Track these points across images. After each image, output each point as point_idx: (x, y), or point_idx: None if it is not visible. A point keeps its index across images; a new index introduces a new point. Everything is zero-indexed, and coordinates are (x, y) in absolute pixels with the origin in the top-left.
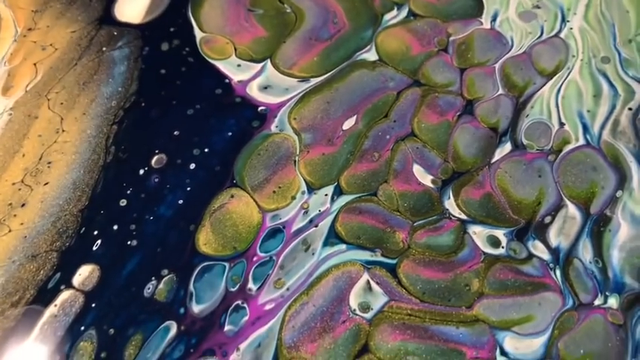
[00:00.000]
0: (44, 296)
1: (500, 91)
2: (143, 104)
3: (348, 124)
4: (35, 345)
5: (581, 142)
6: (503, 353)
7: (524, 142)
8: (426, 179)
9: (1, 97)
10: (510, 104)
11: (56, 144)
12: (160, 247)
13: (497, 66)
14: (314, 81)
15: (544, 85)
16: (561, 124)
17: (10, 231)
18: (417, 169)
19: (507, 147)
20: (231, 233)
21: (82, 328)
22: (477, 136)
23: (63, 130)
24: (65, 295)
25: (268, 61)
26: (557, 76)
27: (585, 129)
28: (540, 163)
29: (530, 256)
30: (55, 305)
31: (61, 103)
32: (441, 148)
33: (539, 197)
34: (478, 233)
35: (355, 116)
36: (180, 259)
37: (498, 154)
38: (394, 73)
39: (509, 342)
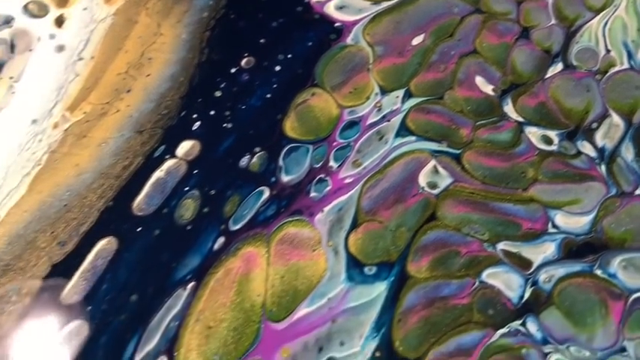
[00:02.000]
0: (151, 163)
1: (553, 22)
2: (232, 16)
3: (416, 40)
4: (143, 199)
5: (626, 65)
6: (555, 226)
7: (574, 63)
8: (487, 88)
9: (105, 4)
10: (562, 33)
11: (155, 44)
12: (252, 130)
13: (549, 1)
14: (385, 4)
15: (592, 18)
16: (607, 51)
17: (118, 111)
18: (479, 80)
19: (559, 66)
20: (314, 123)
21: (186, 188)
22: (533, 56)
23: (160, 34)
24: (170, 162)
25: None
26: (605, 12)
27: (630, 55)
28: (588, 80)
29: (579, 153)
30: (161, 170)
31: (157, 12)
32: (500, 64)
33: (587, 107)
34: (533, 133)
35: (423, 34)
36: (270, 140)
37: (551, 72)
38: (458, 2)
39: (560, 218)
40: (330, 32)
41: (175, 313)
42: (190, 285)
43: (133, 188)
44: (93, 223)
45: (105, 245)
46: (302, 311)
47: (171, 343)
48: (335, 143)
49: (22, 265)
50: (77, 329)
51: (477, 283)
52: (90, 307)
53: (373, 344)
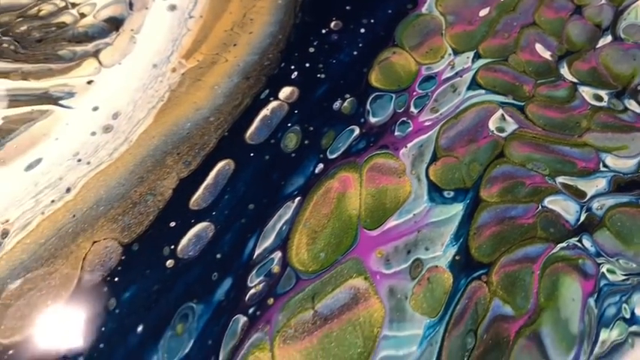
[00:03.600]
0: (258, 103)
1: (603, 1)
2: None
3: (483, 12)
4: (253, 131)
5: None
6: (605, 166)
7: (622, 36)
8: (546, 54)
9: None
10: (611, 11)
11: (255, 7)
12: (341, 80)
13: None
14: None
15: (637, 0)
16: None
17: (226, 61)
18: (539, 47)
19: (609, 39)
20: (395, 76)
21: (289, 124)
22: (585, 29)
23: None
24: (274, 103)
25: None
26: None
27: None
28: (635, 51)
29: (626, 109)
30: (267, 109)
31: None
32: (556, 34)
33: (633, 72)
34: (586, 91)
35: (488, 7)
36: (358, 88)
37: (601, 43)
38: None
39: (610, 160)
40: (407, 2)
41: (286, 219)
42: (297, 199)
43: (244, 122)
44: (212, 148)
45: (224, 166)
46: (392, 223)
47: (284, 241)
48: (415, 93)
49: (153, 178)
50: (205, 229)
51: (539, 208)
52: (214, 213)
53: (453, 250)
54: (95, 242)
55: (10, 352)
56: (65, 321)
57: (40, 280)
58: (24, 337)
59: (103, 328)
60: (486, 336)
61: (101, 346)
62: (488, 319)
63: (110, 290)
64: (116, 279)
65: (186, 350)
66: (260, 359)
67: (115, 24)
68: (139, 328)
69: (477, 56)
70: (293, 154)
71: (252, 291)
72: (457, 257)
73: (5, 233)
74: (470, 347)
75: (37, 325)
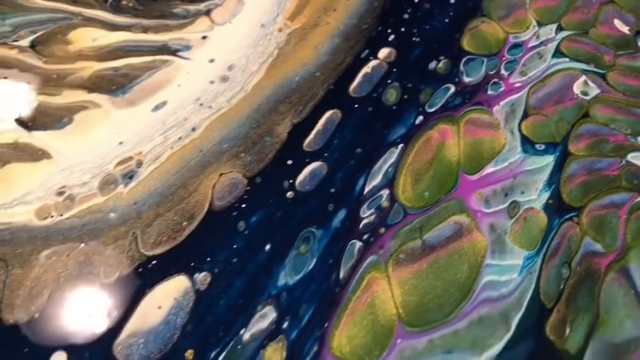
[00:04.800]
0: (359, 62)
1: None
2: None
3: None
4: (356, 85)
5: None
6: None
7: None
8: (624, 29)
9: None
10: None
11: None
12: (435, 44)
13: None
14: None
15: None
16: None
17: (327, 23)
18: (617, 22)
19: None
20: (485, 42)
21: (389, 81)
22: None
23: None
24: (373, 62)
25: None
26: None
27: None
28: None
29: None
30: (367, 67)
31: None
32: (634, 12)
33: None
34: None
35: None
36: (451, 51)
37: None
38: None
39: None
40: None
41: (391, 162)
42: (400, 146)
43: (347, 78)
44: (320, 99)
45: (332, 115)
46: (489, 169)
47: (390, 181)
48: (504, 58)
49: (269, 122)
50: (318, 167)
51: (623, 162)
52: (326, 154)
53: (546, 195)
54: (222, 174)
55: (154, 262)
56: (199, 239)
57: (175, 204)
58: (166, 249)
59: (234, 246)
60: (579, 268)
61: (234, 260)
62: (581, 254)
63: (238, 215)
64: (243, 206)
65: (310, 267)
66: (376, 277)
67: None
68: (267, 247)
69: (560, 28)
70: (394, 107)
71: (365, 221)
72: (550, 201)
73: (140, 163)
74: (565, 277)
75: (176, 239)
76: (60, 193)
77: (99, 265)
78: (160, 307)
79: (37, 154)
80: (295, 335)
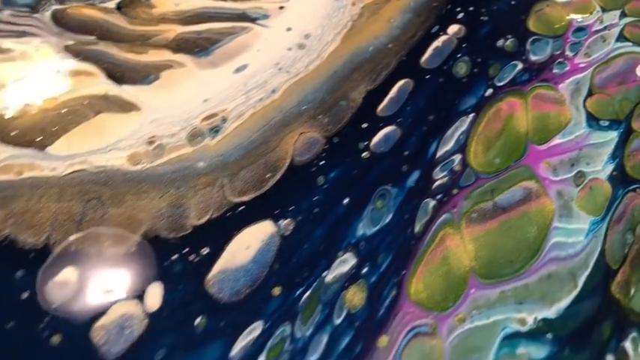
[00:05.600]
0: (429, 36)
1: None
2: None
3: None
4: (427, 58)
5: None
6: None
7: None
8: None
9: None
10: None
11: None
12: (503, 23)
13: None
14: None
15: None
16: None
17: (398, 0)
18: None
19: None
20: (550, 24)
21: (458, 55)
22: None
23: None
24: (443, 37)
25: None
26: None
27: None
28: None
29: None
30: (438, 41)
31: None
32: None
33: None
34: None
35: None
36: (518, 31)
37: None
38: None
39: None
40: None
41: (462, 130)
42: (471, 115)
43: (418, 51)
44: (393, 69)
45: (404, 83)
46: (556, 141)
47: (462, 147)
48: (568, 40)
49: (344, 88)
50: (392, 131)
51: None
52: (399, 120)
53: (610, 167)
54: (302, 133)
55: (242, 207)
56: (282, 190)
57: (258, 158)
58: (252, 197)
59: (315, 198)
60: None
61: (315, 210)
62: None
63: (318, 171)
64: (322, 163)
65: (387, 221)
66: (450, 233)
67: None
68: (345, 201)
69: (623, 15)
70: (464, 79)
71: (438, 182)
72: (614, 173)
73: (224, 119)
74: (629, 242)
75: (260, 189)
76: (150, 142)
77: (190, 207)
78: (248, 248)
79: (126, 106)
80: (374, 280)
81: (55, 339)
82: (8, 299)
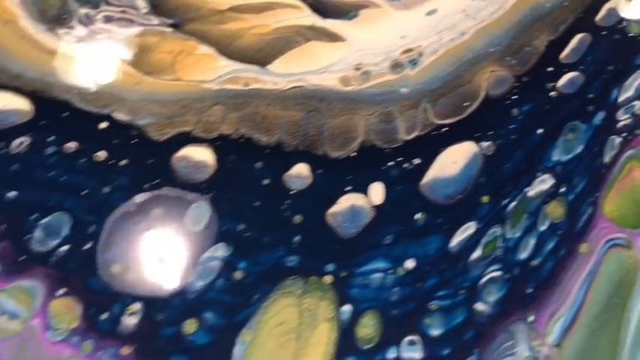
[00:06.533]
0: (601, 1)
1: None
2: None
3: None
4: (600, 19)
5: None
6: None
7: None
8: None
9: None
10: None
11: None
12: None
13: None
14: None
15: None
16: None
17: None
18: None
19: None
20: None
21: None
22: None
23: None
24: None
25: None
26: None
27: None
28: None
29: None
30: (611, 2)
31: None
32: None
33: None
34: None
35: None
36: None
37: None
38: None
39: None
40: None
41: None
42: None
43: (593, 10)
44: (570, 23)
45: (582, 37)
46: None
47: None
48: None
49: (526, 37)
50: (576, 77)
51: None
52: (581, 67)
53: None
54: (492, 71)
55: (445, 128)
56: (480, 116)
57: (456, 88)
58: (453, 121)
59: (510, 127)
60: None
61: (512, 137)
62: None
63: (511, 104)
64: (514, 97)
65: (578, 151)
66: (636, 166)
67: None
68: (539, 131)
69: None
70: (638, 38)
71: (622, 123)
72: None
73: (421, 54)
74: None
75: (460, 115)
76: (357, 69)
77: (398, 125)
78: (454, 162)
79: (332, 36)
80: (572, 198)
81: (297, 218)
82: (253, 184)
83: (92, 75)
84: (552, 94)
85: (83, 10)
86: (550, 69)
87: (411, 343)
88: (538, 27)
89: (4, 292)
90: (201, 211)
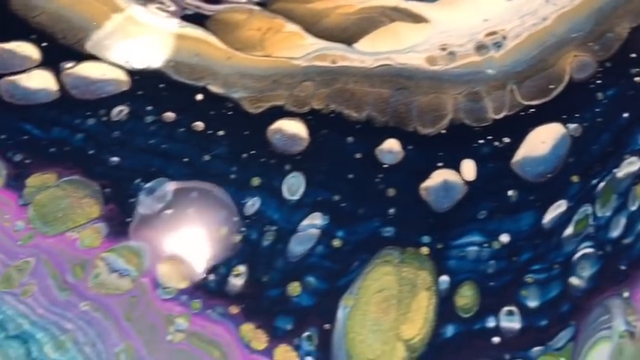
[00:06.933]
0: None
1: None
2: None
3: None
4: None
5: None
6: None
7: None
8: None
9: None
10: None
11: None
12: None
13: None
14: None
15: None
16: None
17: None
18: None
19: None
20: None
21: None
22: None
23: None
24: None
25: None
26: None
27: None
28: None
29: None
30: None
31: None
32: None
33: None
34: None
35: None
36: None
37: None
38: None
39: None
40: None
41: None
42: None
43: None
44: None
45: None
46: None
47: None
48: None
49: (608, 23)
50: None
51: None
52: None
53: None
54: (576, 56)
55: (532, 110)
56: (566, 99)
57: (540, 71)
58: (539, 103)
59: (596, 110)
60: None
61: (599, 119)
62: None
63: (596, 88)
64: (598, 81)
65: None
66: None
67: None
68: (625, 115)
69: None
70: None
71: None
72: None
73: (504, 37)
74: None
75: (546, 96)
76: (443, 49)
77: (486, 104)
78: (543, 142)
79: (416, 17)
80: None
81: (390, 191)
82: (345, 157)
83: (184, 48)
84: (637, 79)
85: None
86: (633, 55)
87: (510, 313)
88: (619, 14)
89: (113, 251)
90: (296, 181)
